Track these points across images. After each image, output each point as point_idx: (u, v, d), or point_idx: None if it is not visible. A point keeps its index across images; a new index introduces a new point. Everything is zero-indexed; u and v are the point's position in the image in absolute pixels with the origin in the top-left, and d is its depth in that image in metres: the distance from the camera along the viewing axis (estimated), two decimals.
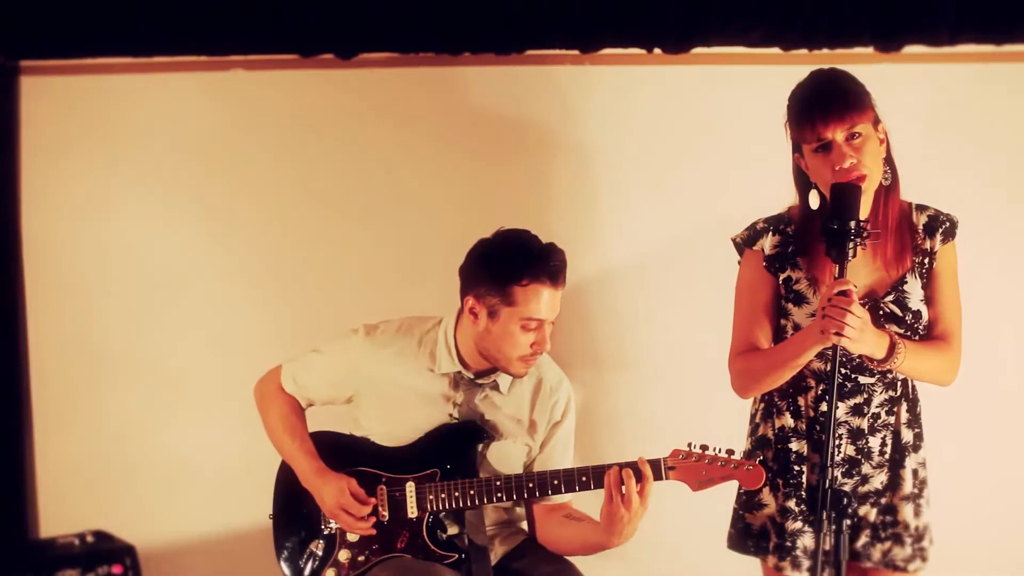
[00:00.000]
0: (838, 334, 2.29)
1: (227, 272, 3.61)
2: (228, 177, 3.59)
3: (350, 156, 3.59)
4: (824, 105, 2.41)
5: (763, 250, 2.60)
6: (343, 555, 2.66)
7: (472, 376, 2.70)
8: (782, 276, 2.59)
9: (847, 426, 2.54)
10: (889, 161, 2.51)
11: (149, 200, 3.59)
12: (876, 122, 2.47)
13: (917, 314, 2.50)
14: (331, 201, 3.59)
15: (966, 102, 3.47)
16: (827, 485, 2.22)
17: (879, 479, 2.55)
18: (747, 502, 2.63)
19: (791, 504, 2.56)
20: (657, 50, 3.43)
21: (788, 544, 2.56)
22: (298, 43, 3.46)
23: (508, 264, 2.58)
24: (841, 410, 2.53)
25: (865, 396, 2.53)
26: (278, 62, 3.54)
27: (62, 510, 3.62)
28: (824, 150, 2.42)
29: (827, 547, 2.22)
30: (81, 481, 3.62)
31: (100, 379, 3.62)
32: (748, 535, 2.63)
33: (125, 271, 3.61)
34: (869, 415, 2.53)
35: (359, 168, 3.59)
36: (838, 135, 2.40)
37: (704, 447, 2.51)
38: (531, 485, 2.59)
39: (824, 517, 2.22)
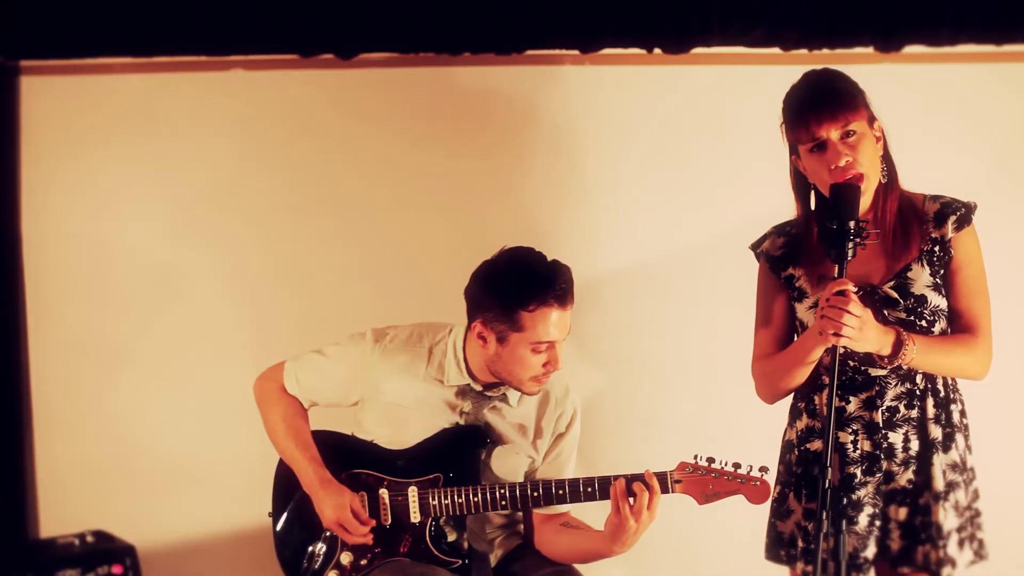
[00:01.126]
0: (836, 334, 2.29)
1: (227, 272, 3.61)
2: (227, 176, 3.59)
3: (350, 156, 3.59)
4: (816, 105, 2.41)
5: (767, 252, 2.62)
6: (345, 557, 2.65)
7: (481, 389, 2.68)
8: (784, 275, 2.59)
9: (861, 421, 2.49)
10: (887, 158, 2.50)
11: (149, 200, 3.60)
12: (871, 120, 2.46)
13: (921, 299, 2.46)
14: (332, 201, 3.60)
15: (966, 102, 3.47)
16: (827, 485, 2.22)
17: (905, 477, 2.49)
18: (777, 510, 2.61)
19: (814, 506, 2.53)
20: (657, 50, 3.43)
21: (814, 547, 2.53)
22: (298, 43, 3.46)
23: (513, 290, 2.52)
24: (853, 405, 2.50)
25: (877, 389, 2.49)
26: (278, 62, 3.54)
27: (62, 510, 3.63)
28: (819, 150, 2.42)
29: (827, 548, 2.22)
30: (81, 481, 3.63)
31: (100, 379, 3.62)
32: (780, 544, 2.60)
33: (125, 271, 3.61)
34: (884, 408, 2.48)
35: (359, 168, 3.59)
36: (832, 134, 2.40)
37: (711, 460, 2.49)
38: (535, 494, 2.58)
39: (824, 517, 2.21)
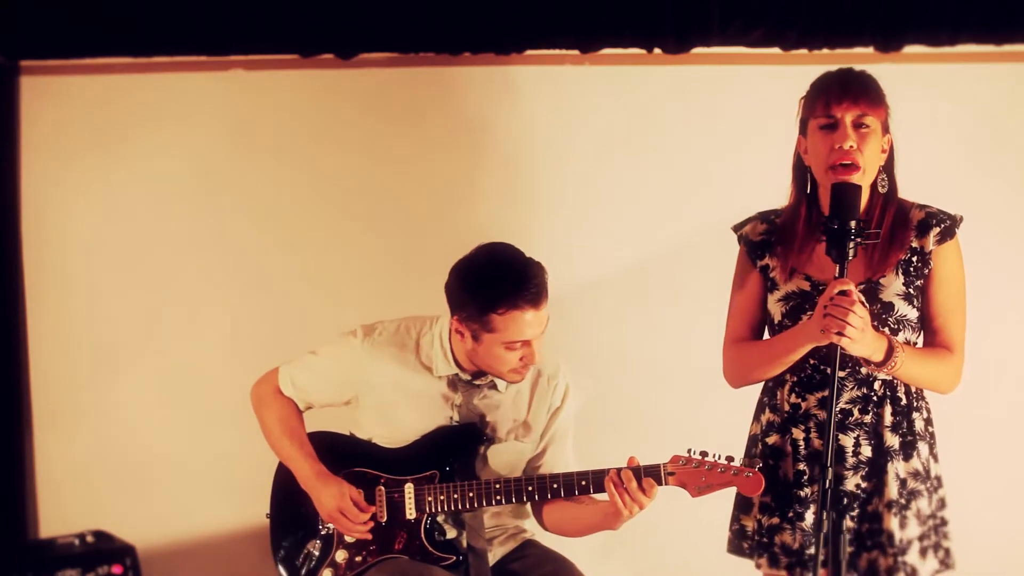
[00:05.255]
0: (839, 333, 2.28)
1: (226, 272, 3.61)
2: (228, 177, 3.60)
3: (350, 156, 3.59)
4: (844, 85, 2.43)
5: (747, 236, 2.61)
6: (340, 555, 2.66)
7: (469, 377, 2.69)
8: (760, 263, 2.58)
9: (815, 419, 2.49)
10: (889, 171, 2.49)
11: (149, 199, 3.60)
12: (885, 129, 2.46)
13: (888, 306, 2.44)
14: (331, 201, 3.60)
15: (966, 102, 3.47)
16: (827, 485, 2.21)
17: (854, 481, 2.47)
18: (740, 503, 2.62)
19: (767, 499, 2.54)
20: (657, 50, 3.43)
21: (766, 540, 2.53)
22: (298, 43, 3.47)
23: (483, 293, 2.52)
24: (810, 402, 2.50)
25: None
26: (278, 62, 3.54)
27: (62, 510, 3.63)
28: (829, 129, 2.42)
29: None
30: (81, 481, 3.63)
31: (100, 379, 3.63)
32: (743, 537, 2.61)
33: (125, 270, 3.61)
34: (837, 410, 2.44)
35: (359, 168, 3.59)
36: (847, 117, 2.41)
37: (704, 453, 2.50)
38: (530, 488, 2.58)
39: (824, 517, 2.21)
